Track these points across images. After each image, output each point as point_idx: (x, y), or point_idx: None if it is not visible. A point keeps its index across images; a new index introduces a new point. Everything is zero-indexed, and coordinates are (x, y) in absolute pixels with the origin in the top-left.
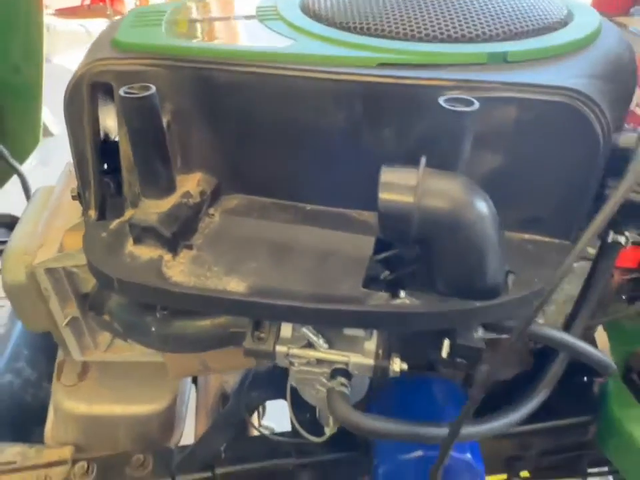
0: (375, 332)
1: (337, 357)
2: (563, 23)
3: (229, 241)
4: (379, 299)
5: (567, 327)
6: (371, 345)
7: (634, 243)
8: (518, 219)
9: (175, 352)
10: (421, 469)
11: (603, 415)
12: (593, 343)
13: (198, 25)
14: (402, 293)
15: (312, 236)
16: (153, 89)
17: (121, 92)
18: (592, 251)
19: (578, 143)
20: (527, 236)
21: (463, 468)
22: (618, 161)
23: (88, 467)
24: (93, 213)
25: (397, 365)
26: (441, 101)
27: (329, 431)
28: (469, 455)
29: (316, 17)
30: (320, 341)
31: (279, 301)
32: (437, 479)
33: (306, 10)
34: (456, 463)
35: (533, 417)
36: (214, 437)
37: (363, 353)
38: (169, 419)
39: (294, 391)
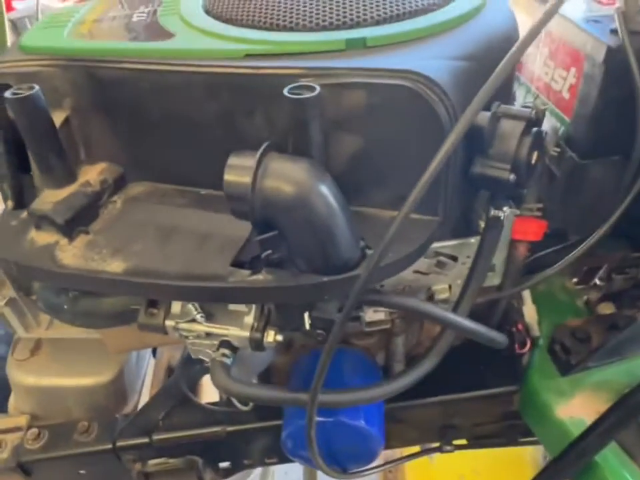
0: (253, 307)
1: (218, 330)
2: (442, 4)
3: (124, 225)
4: (239, 276)
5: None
6: (249, 318)
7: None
8: (385, 198)
9: (87, 327)
10: (319, 432)
11: (525, 385)
12: (510, 314)
13: (99, 25)
14: (263, 271)
15: (199, 219)
16: (36, 88)
17: (7, 93)
18: (482, 224)
19: (424, 125)
20: (395, 213)
21: (358, 433)
22: (479, 140)
23: (39, 433)
24: (10, 204)
25: (271, 337)
26: (285, 89)
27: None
28: (362, 422)
29: (205, 9)
30: (198, 316)
31: (149, 280)
32: (311, 441)
33: (202, 3)
34: (351, 428)
35: (458, 386)
36: (154, 406)
37: (241, 326)
38: (118, 390)
39: None
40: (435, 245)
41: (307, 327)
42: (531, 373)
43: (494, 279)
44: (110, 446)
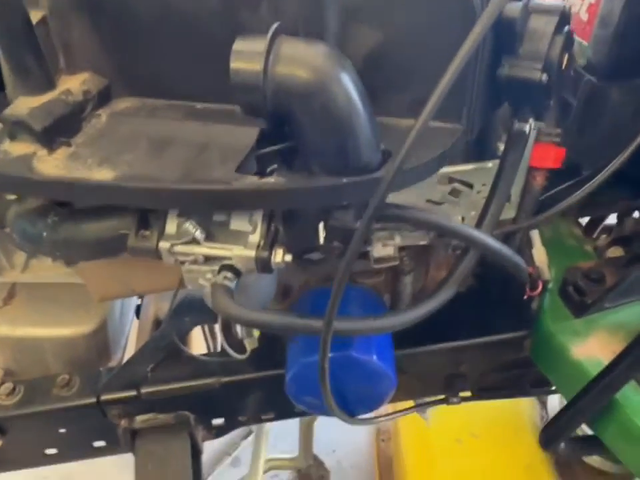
0: (259, 225)
1: (220, 250)
2: None
3: (111, 138)
4: (247, 181)
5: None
6: (254, 237)
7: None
8: (404, 103)
9: (69, 260)
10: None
11: (538, 329)
12: (521, 250)
13: None
14: (274, 174)
15: (196, 130)
16: None
17: None
18: (501, 147)
19: (453, 10)
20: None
21: (369, 371)
22: (509, 37)
23: (14, 388)
24: None
25: (280, 256)
26: None
27: (248, 345)
28: (374, 357)
29: None
30: (197, 232)
31: (144, 184)
32: (324, 373)
33: None
34: (362, 365)
35: (466, 333)
36: (141, 358)
37: (245, 245)
38: (100, 343)
39: None
40: (450, 169)
41: (322, 240)
42: (544, 316)
43: (509, 211)
44: (94, 400)
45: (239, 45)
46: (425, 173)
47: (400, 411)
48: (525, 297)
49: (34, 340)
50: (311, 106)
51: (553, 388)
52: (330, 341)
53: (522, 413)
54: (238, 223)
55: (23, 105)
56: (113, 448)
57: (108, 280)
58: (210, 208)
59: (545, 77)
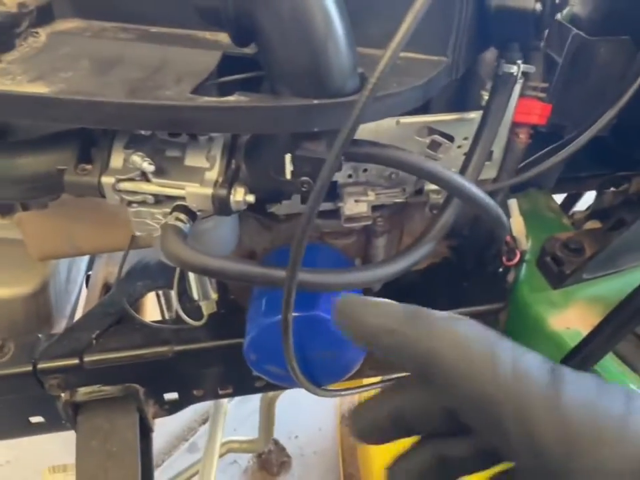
0: (217, 161)
1: (172, 189)
2: None
3: (49, 56)
4: (203, 100)
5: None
6: (212, 174)
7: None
8: (384, 32)
9: (1, 199)
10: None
11: (513, 301)
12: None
13: None
14: (235, 94)
15: (149, 52)
16: None
17: None
18: (486, 96)
19: None
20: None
21: (337, 335)
22: None
23: None
24: None
25: (240, 194)
26: None
27: (205, 309)
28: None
29: None
30: (145, 164)
31: (84, 97)
32: (287, 330)
33: None
34: (329, 325)
35: (443, 305)
36: (86, 324)
37: (201, 183)
38: (41, 308)
39: (180, 281)
40: (429, 117)
41: (288, 174)
42: (520, 287)
43: (490, 170)
44: (29, 368)
45: None
46: (406, 102)
47: (368, 385)
48: (502, 268)
49: None
50: (277, 10)
51: None
52: (294, 294)
53: None
54: (193, 159)
55: None
56: (52, 424)
57: (49, 234)
58: (158, 127)
59: (538, 5)
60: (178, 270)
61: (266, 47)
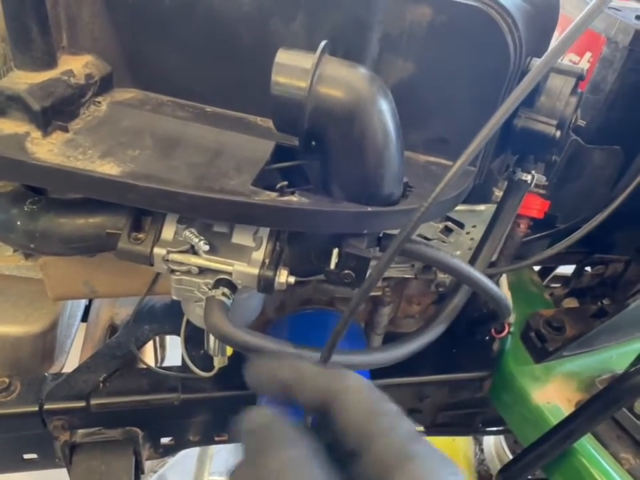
0: (264, 242)
1: (220, 264)
2: None
3: (113, 129)
4: (266, 196)
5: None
6: (258, 255)
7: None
8: (424, 139)
9: (44, 252)
10: None
11: (499, 371)
12: None
13: None
14: (294, 195)
15: (207, 134)
16: None
17: None
18: (498, 194)
19: (489, 54)
20: (432, 158)
21: None
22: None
23: None
24: None
25: (284, 277)
26: None
27: (217, 363)
28: None
29: None
30: (201, 243)
31: (157, 185)
32: None
33: None
34: None
35: (432, 369)
36: (94, 365)
37: (248, 262)
38: (46, 346)
39: (187, 327)
40: None
41: (333, 265)
42: (506, 358)
43: None
44: (36, 408)
45: (283, 58)
46: (443, 210)
47: None
48: (490, 338)
49: None
50: (348, 130)
51: (502, 429)
52: None
53: (458, 449)
54: (240, 237)
55: (20, 79)
56: (45, 462)
57: (70, 278)
58: (226, 219)
59: (558, 133)
60: (185, 317)
61: (329, 157)
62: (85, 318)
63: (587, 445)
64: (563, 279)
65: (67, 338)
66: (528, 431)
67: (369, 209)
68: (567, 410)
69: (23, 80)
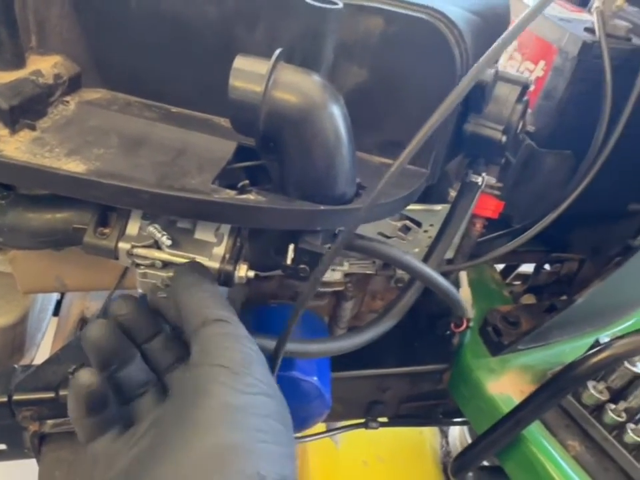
0: (225, 238)
1: (182, 259)
2: None
3: (80, 128)
4: (225, 194)
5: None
6: (219, 250)
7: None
8: (378, 142)
9: (12, 246)
10: None
11: (457, 364)
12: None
13: None
14: (251, 193)
15: (172, 134)
16: None
17: None
18: (453, 194)
19: (436, 64)
20: (386, 160)
21: (308, 389)
22: (477, 97)
23: None
24: None
25: (243, 271)
26: None
27: None
28: (315, 379)
29: None
30: (163, 238)
31: (118, 182)
32: None
33: None
34: (302, 386)
35: (394, 361)
36: (63, 358)
37: (210, 257)
38: (16, 339)
39: None
40: None
41: (289, 261)
42: (464, 352)
43: (448, 253)
44: (5, 399)
45: (240, 63)
46: (393, 210)
47: (322, 432)
48: (450, 333)
49: None
50: (301, 133)
51: (462, 420)
52: (280, 361)
53: (424, 441)
54: (203, 233)
55: None
56: (14, 453)
57: (40, 272)
58: (187, 216)
59: (504, 138)
60: None
61: (284, 158)
62: (56, 312)
63: (535, 433)
64: (524, 277)
65: (37, 331)
66: (482, 420)
67: (322, 207)
68: (519, 400)
69: None
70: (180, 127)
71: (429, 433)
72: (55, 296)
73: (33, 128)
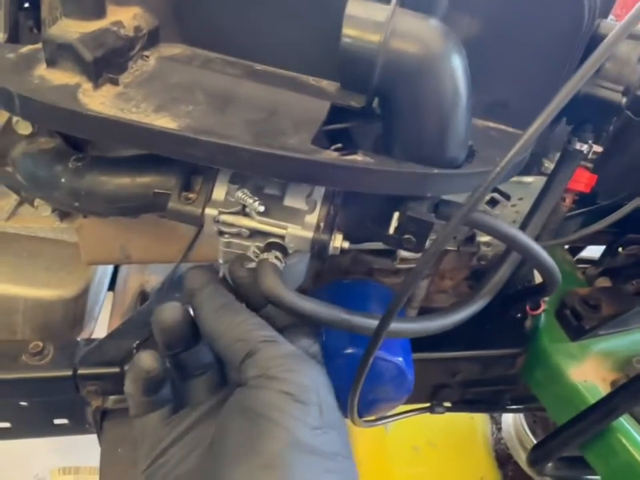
0: (318, 205)
1: (273, 227)
2: None
3: (163, 84)
4: (328, 155)
5: None
6: (312, 218)
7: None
8: (485, 103)
9: (87, 211)
10: (351, 369)
11: (533, 348)
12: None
13: None
14: (357, 154)
15: (259, 92)
16: None
17: None
18: (548, 165)
19: (562, 13)
20: (491, 124)
21: (392, 371)
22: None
23: None
24: (1, 36)
25: (338, 241)
26: None
27: None
28: (400, 359)
29: None
30: (255, 204)
31: (215, 139)
32: (363, 371)
33: None
34: (387, 365)
35: (464, 345)
36: (126, 332)
37: (302, 226)
38: (77, 311)
39: None
40: None
41: (392, 230)
42: (541, 336)
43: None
44: (69, 373)
45: (353, 9)
46: (507, 177)
47: (407, 412)
48: (522, 316)
49: (7, 298)
50: (419, 87)
51: (525, 407)
52: (378, 344)
53: (476, 427)
54: (293, 200)
55: (70, 27)
56: (75, 427)
57: (106, 242)
58: (288, 177)
59: (624, 100)
60: None
61: (395, 116)
62: (111, 287)
63: (624, 423)
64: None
65: (95, 304)
66: (563, 408)
67: (436, 170)
68: (603, 388)
69: (73, 29)
70: (267, 85)
71: (479, 419)
72: (110, 270)
73: (115, 82)
